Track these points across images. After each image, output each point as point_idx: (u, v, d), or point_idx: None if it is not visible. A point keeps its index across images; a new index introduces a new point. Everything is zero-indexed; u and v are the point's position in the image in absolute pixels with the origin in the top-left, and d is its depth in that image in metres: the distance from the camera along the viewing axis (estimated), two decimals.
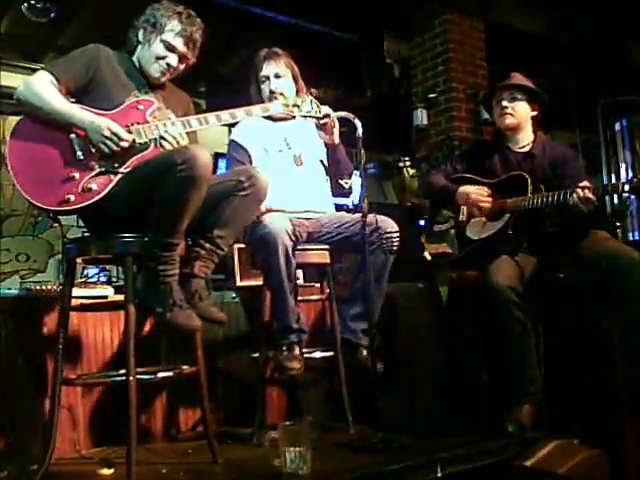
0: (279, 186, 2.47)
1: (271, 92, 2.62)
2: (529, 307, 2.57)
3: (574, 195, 2.54)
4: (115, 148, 2.04)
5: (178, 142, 2.10)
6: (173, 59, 2.26)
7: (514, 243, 2.74)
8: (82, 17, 5.07)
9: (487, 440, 2.38)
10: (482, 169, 2.92)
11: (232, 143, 2.68)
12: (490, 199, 2.83)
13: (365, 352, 2.45)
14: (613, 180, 6.28)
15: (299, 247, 2.41)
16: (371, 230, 2.40)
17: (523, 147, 2.89)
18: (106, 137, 2.03)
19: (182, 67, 2.31)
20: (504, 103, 2.84)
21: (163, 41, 2.23)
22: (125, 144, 2.05)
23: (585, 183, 2.55)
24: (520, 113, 2.84)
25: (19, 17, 4.85)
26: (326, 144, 2.62)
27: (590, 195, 2.51)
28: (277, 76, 2.64)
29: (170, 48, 2.24)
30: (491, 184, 2.86)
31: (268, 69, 2.64)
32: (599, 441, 2.45)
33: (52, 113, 2.05)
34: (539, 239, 2.76)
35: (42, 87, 2.06)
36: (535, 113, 2.88)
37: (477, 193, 2.84)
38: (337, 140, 2.58)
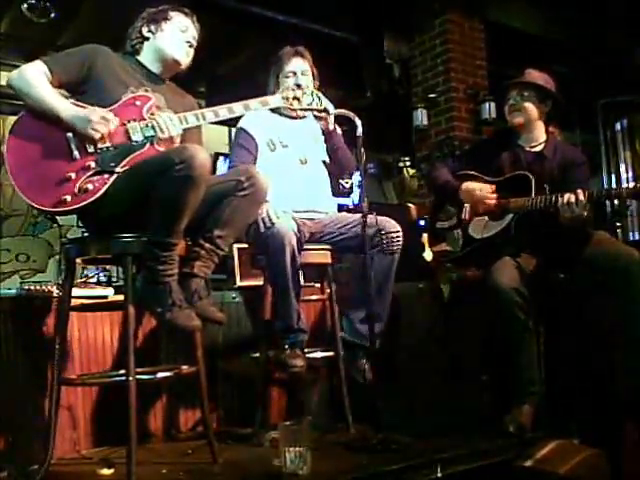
0: (283, 184, 2.48)
1: (298, 86, 2.63)
2: (531, 308, 2.56)
3: (559, 200, 2.53)
4: (105, 130, 2.03)
5: (168, 128, 2.10)
6: (189, 36, 2.35)
7: (516, 245, 2.71)
8: (82, 17, 5.07)
9: (487, 440, 2.38)
10: (489, 166, 2.87)
11: (240, 131, 2.69)
12: (495, 196, 2.79)
13: (364, 362, 2.46)
14: (613, 183, 6.32)
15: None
16: (374, 231, 2.40)
17: (535, 146, 2.85)
18: (95, 121, 2.02)
19: (191, 53, 2.37)
20: (511, 101, 2.83)
21: (177, 23, 2.32)
22: (112, 126, 2.05)
23: (578, 192, 2.51)
24: (529, 111, 2.81)
25: (19, 17, 4.85)
26: (323, 132, 2.64)
27: (573, 201, 2.49)
28: (303, 73, 2.69)
29: (183, 29, 2.34)
30: (494, 182, 2.83)
31: (297, 65, 2.69)
32: (599, 441, 2.45)
33: (39, 102, 2.05)
34: (541, 240, 2.74)
35: (33, 75, 2.07)
36: (546, 111, 2.84)
37: (482, 190, 2.81)
38: (332, 126, 2.60)
